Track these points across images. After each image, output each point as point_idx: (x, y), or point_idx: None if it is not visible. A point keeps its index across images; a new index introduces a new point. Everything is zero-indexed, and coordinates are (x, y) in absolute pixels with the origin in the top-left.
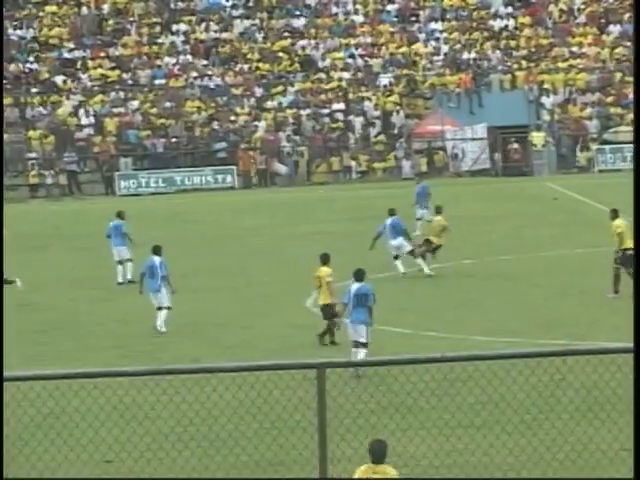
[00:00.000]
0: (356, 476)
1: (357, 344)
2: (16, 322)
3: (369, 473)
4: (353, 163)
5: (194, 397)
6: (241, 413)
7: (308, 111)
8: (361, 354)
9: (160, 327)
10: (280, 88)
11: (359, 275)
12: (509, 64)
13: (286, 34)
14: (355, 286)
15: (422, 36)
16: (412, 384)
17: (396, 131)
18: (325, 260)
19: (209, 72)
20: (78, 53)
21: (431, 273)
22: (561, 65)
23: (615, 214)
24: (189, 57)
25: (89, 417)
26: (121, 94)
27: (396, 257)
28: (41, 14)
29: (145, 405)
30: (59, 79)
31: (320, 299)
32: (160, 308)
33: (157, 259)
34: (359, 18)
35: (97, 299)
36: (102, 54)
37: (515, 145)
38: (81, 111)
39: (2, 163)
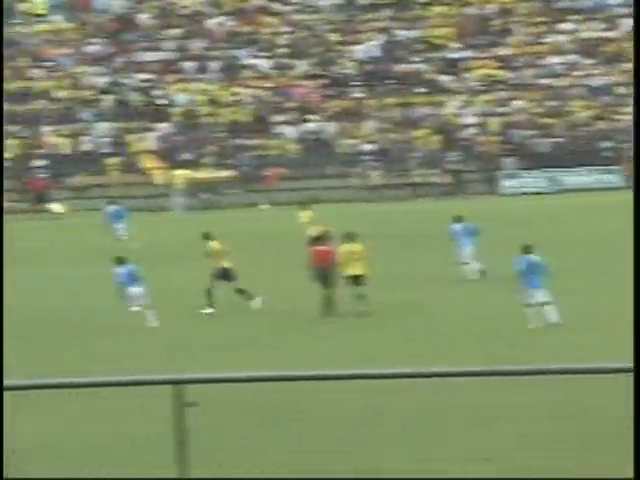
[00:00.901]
0: None
1: None
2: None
3: None
4: None
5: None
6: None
7: None
8: None
9: (554, 320)
10: None
11: None
12: None
13: None
14: None
15: None
16: None
17: None
18: None
19: (594, 71)
20: (463, 53)
21: None
22: None
23: None
24: (574, 56)
25: (439, 416)
26: (505, 94)
27: None
28: (428, 14)
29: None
30: (444, 79)
31: None
32: (542, 304)
33: (535, 257)
34: None
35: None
36: (487, 54)
37: None
38: (465, 110)
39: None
